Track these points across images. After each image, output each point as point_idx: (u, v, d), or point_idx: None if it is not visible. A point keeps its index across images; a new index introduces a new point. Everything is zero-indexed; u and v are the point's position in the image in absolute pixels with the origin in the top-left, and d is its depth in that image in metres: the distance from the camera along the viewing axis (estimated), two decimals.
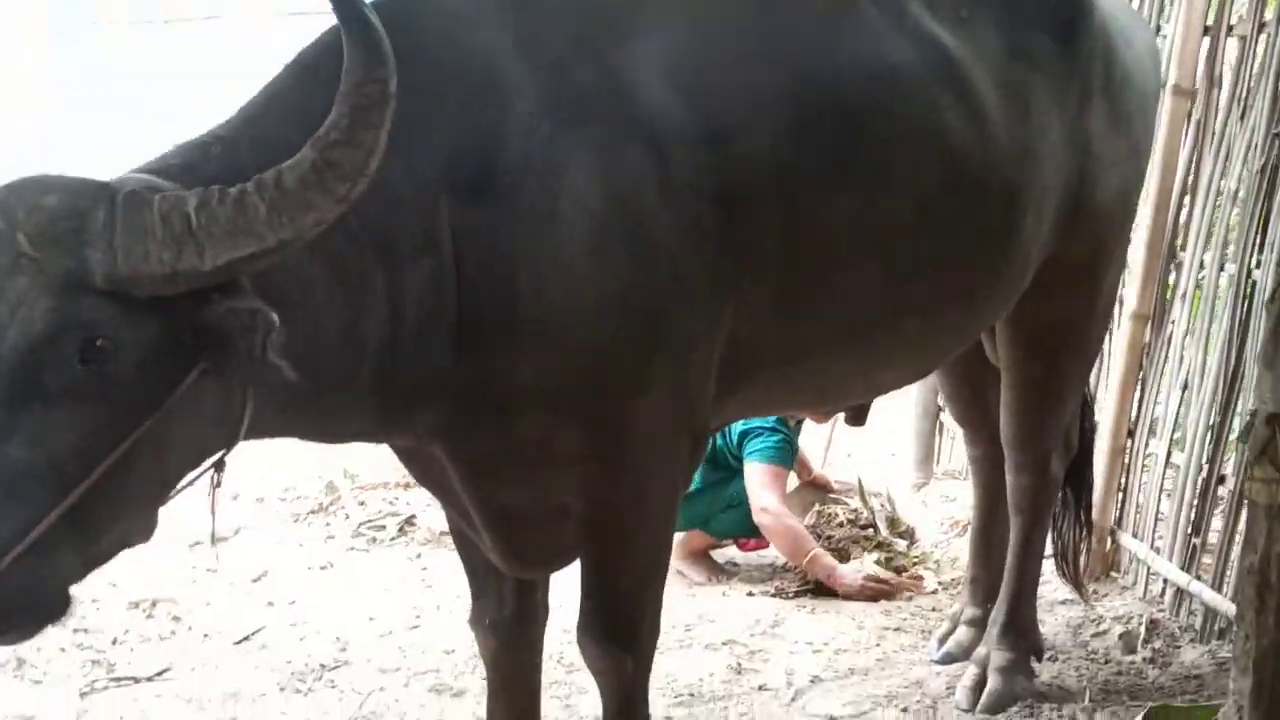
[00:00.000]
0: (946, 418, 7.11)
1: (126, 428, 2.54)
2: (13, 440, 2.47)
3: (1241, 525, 4.25)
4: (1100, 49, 4.11)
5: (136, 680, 4.89)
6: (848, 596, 5.70)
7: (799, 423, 6.28)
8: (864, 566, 5.90)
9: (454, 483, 3.43)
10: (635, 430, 3.36)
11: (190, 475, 2.83)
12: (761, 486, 5.90)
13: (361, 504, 6.98)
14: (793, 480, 6.36)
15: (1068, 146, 4.03)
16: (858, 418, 4.99)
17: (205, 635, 5.38)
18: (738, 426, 5.95)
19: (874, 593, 5.73)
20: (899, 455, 7.55)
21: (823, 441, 7.15)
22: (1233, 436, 4.99)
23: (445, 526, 6.42)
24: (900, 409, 7.33)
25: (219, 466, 2.85)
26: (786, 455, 6.04)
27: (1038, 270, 4.14)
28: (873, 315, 3.70)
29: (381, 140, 2.57)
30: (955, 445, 7.14)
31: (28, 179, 2.67)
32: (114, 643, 5.28)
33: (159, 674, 4.97)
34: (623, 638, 3.53)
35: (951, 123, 3.67)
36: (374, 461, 7.60)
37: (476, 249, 3.03)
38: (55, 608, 2.59)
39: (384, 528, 6.70)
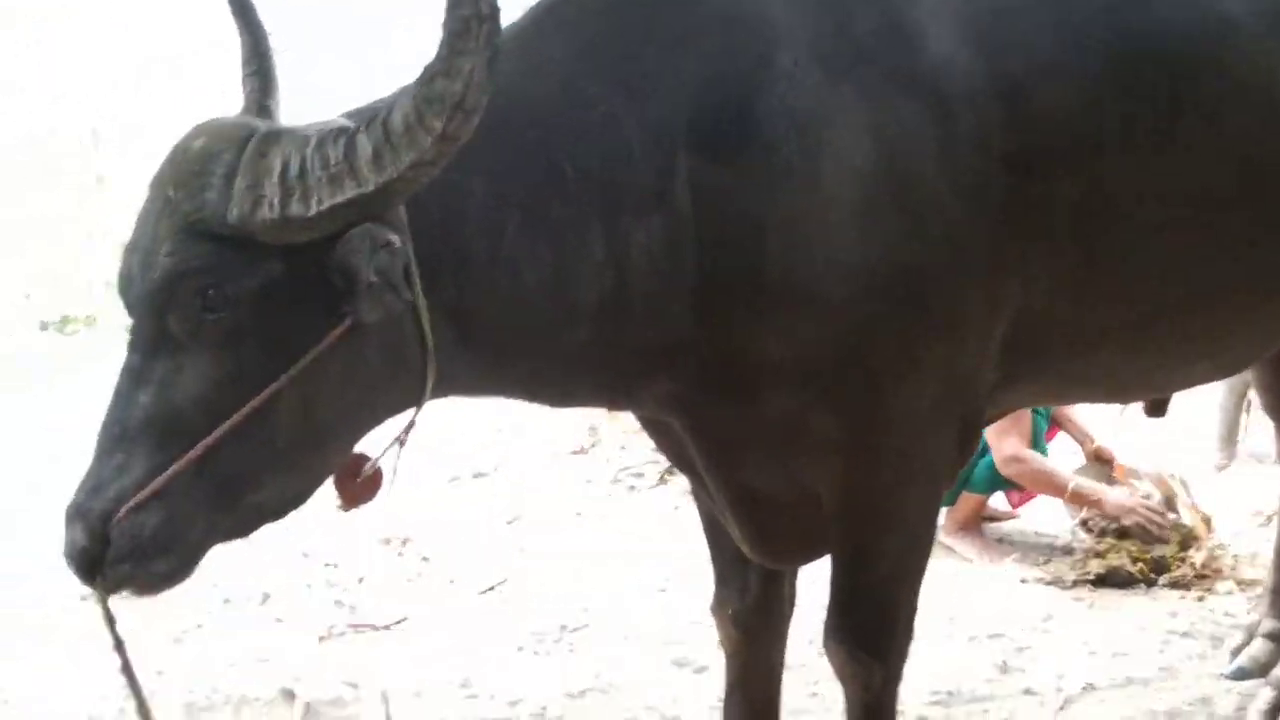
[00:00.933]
0: (1253, 397, 6.58)
1: (259, 380, 2.46)
2: (146, 386, 2.46)
3: None
4: None
5: (374, 628, 4.82)
6: (1119, 521, 5.45)
7: None
8: (1135, 493, 5.57)
9: (696, 460, 3.23)
10: (898, 415, 3.06)
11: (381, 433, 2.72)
12: (997, 434, 5.52)
13: (623, 448, 6.82)
14: (1078, 458, 5.99)
15: None
16: (1158, 408, 4.56)
17: (450, 581, 5.33)
18: None
19: (1147, 519, 5.44)
20: (1199, 432, 6.94)
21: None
22: None
23: None
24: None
25: (405, 431, 2.72)
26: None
27: None
28: (1185, 298, 3.31)
29: (481, 68, 2.35)
30: (1267, 424, 6.52)
31: (208, 120, 2.63)
32: (359, 581, 5.28)
33: (396, 623, 4.88)
34: (872, 643, 3.26)
35: None
36: None
37: (721, 207, 2.80)
38: (180, 564, 2.53)
39: (643, 475, 6.55)
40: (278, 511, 2.69)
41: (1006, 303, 3.08)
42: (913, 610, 3.34)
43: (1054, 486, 5.65)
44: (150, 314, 2.49)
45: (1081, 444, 6.03)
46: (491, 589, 5.18)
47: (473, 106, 2.37)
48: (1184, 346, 3.51)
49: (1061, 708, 4.30)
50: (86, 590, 2.52)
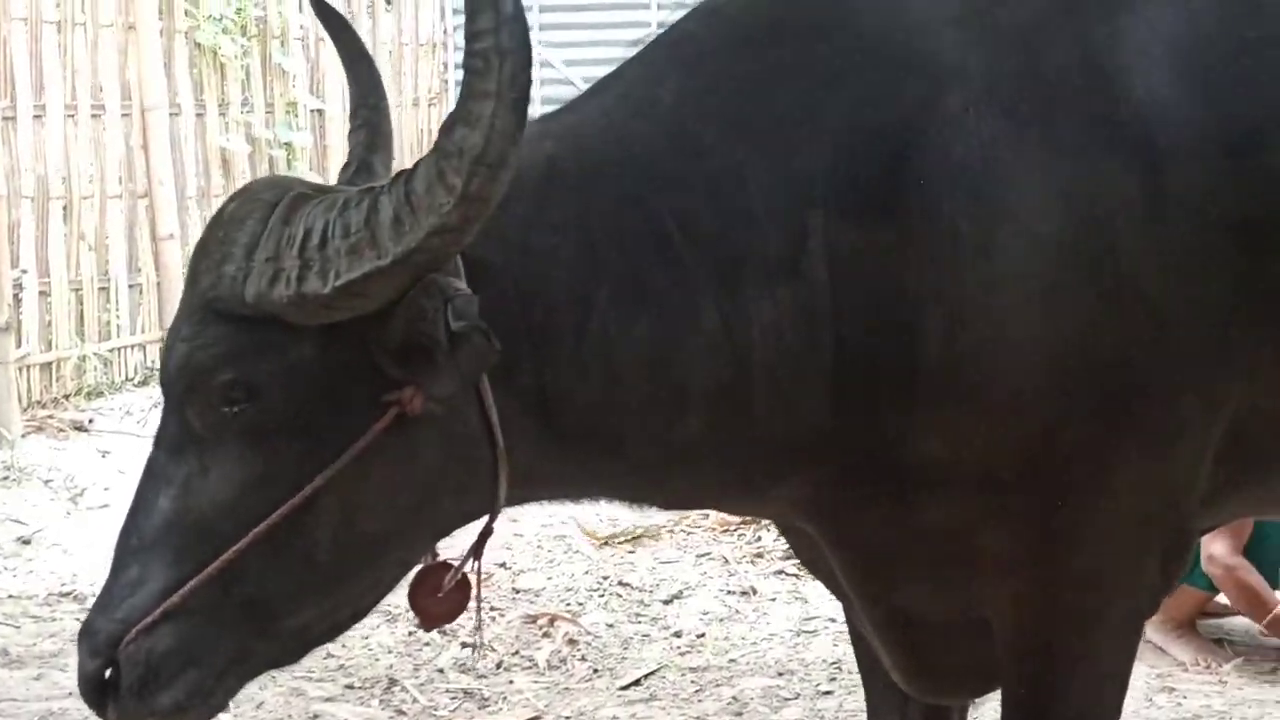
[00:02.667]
0: None
1: (292, 483, 2.27)
2: (166, 489, 2.30)
3: None
4: None
5: None
6: None
7: None
8: None
9: (839, 574, 2.95)
10: (1088, 535, 2.72)
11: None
12: (1212, 536, 5.08)
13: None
14: None
15: None
16: None
17: (594, 671, 5.02)
18: None
19: None
20: None
21: None
22: None
23: None
24: None
25: (480, 542, 2.53)
26: None
27: None
28: None
29: (505, 113, 2.12)
30: None
31: (256, 179, 2.56)
32: (499, 668, 4.98)
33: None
34: None
35: None
36: None
37: (868, 278, 2.56)
38: (195, 697, 2.33)
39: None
40: (327, 635, 2.54)
41: (1229, 403, 2.73)
42: None
43: (1257, 606, 5.24)
44: (173, 408, 2.35)
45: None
46: (639, 683, 4.90)
47: (497, 160, 2.13)
48: None
49: None
50: None
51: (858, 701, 3.54)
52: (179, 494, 2.29)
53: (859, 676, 3.32)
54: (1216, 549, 5.12)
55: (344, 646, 4.90)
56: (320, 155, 10.00)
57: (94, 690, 2.28)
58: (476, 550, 2.52)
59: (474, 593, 2.55)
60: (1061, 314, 2.57)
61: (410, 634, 5.09)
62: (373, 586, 2.49)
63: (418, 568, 2.56)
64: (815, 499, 2.75)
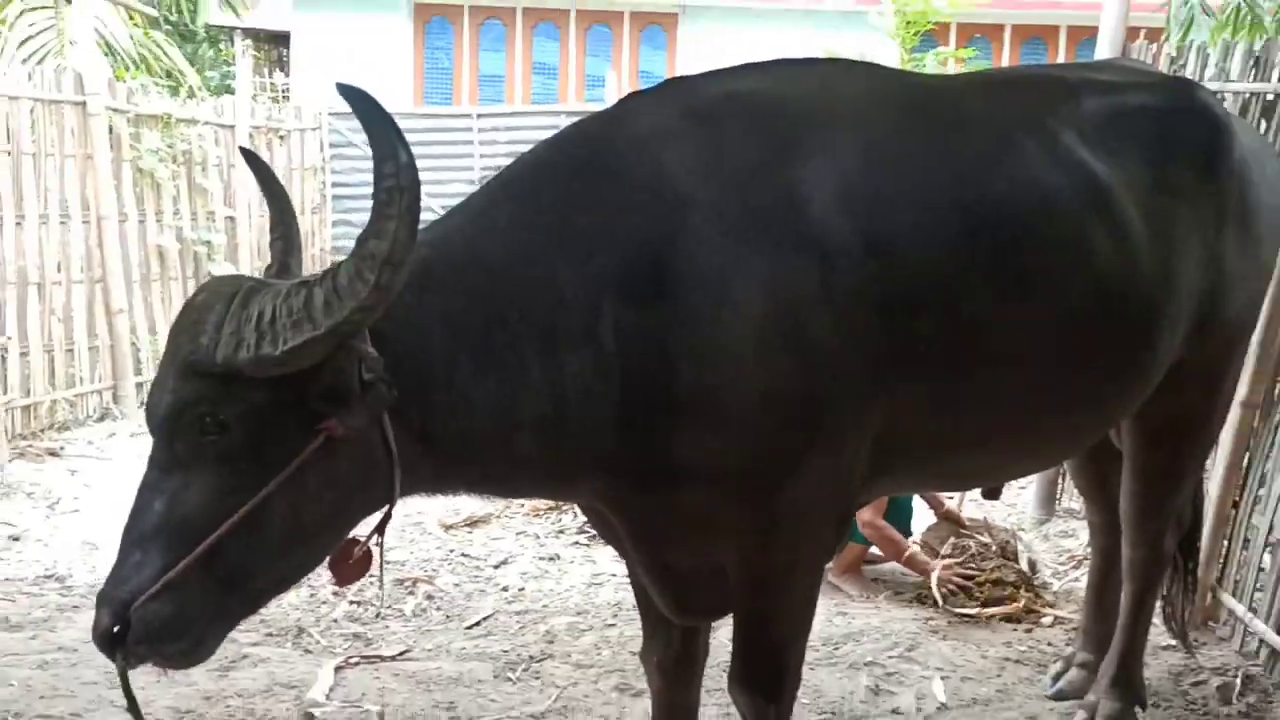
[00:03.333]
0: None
1: (252, 490, 2.28)
2: (160, 497, 2.30)
3: None
4: (1237, 180, 3.39)
5: (382, 659, 4.45)
6: (935, 585, 5.14)
7: None
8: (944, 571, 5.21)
9: (624, 540, 2.98)
10: (788, 510, 2.80)
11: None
12: (870, 507, 5.24)
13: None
14: (929, 516, 5.69)
15: (1203, 267, 3.33)
16: (993, 494, 4.30)
17: (447, 618, 4.96)
18: None
19: (951, 581, 5.15)
20: (1024, 492, 6.64)
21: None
22: None
23: None
24: None
25: (382, 524, 2.52)
26: None
27: (1167, 371, 3.39)
28: (1016, 415, 3.09)
29: (404, 230, 2.17)
30: (1071, 487, 6.26)
31: (213, 278, 2.52)
32: (377, 616, 4.91)
33: (402, 654, 4.52)
34: (768, 689, 2.99)
35: (1099, 244, 3.05)
36: None
37: (642, 343, 2.59)
38: (193, 644, 2.35)
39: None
40: (277, 592, 2.52)
41: (876, 420, 2.84)
42: (800, 662, 3.07)
43: (896, 550, 5.38)
44: (163, 437, 2.33)
45: (934, 508, 5.69)
46: (478, 624, 4.86)
47: (399, 261, 2.18)
48: (1015, 450, 3.31)
49: None
50: None
51: (635, 630, 3.49)
52: (169, 501, 2.29)
53: (636, 612, 3.33)
54: (865, 515, 5.19)
55: None
56: (232, 251, 9.72)
57: (107, 641, 2.27)
58: (380, 529, 2.51)
59: (377, 560, 2.53)
60: (768, 364, 2.63)
61: (311, 595, 4.94)
62: (310, 557, 2.47)
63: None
64: (609, 488, 2.76)
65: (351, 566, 2.52)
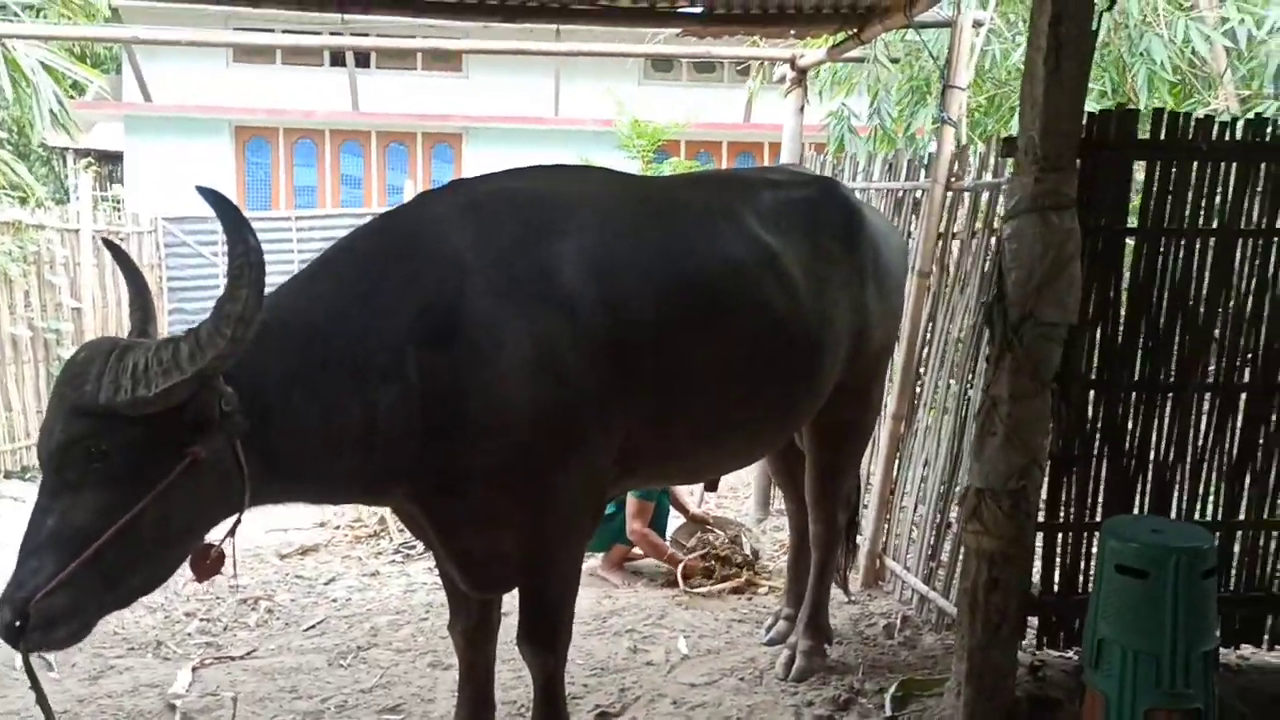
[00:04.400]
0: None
1: (128, 504, 2.39)
2: (51, 515, 2.39)
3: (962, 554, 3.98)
4: (869, 249, 3.93)
5: (233, 659, 4.49)
6: (686, 569, 5.55)
7: None
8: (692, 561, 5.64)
9: (429, 533, 3.16)
10: (553, 502, 3.05)
11: (219, 531, 2.64)
12: (632, 516, 5.62)
13: (401, 530, 6.52)
14: (680, 518, 6.03)
15: (850, 311, 3.84)
16: (712, 486, 4.69)
17: (285, 625, 4.99)
18: None
19: (694, 567, 5.58)
20: (748, 500, 7.12)
21: (696, 491, 6.76)
22: (956, 497, 4.70)
23: None
24: (748, 471, 6.93)
25: (233, 528, 2.63)
26: (649, 492, 5.66)
27: (831, 391, 3.85)
28: (718, 426, 3.46)
29: (252, 294, 2.36)
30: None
31: (91, 340, 2.60)
32: (225, 629, 4.89)
33: (249, 654, 4.56)
34: (546, 642, 3.23)
35: (774, 297, 3.48)
36: None
37: (438, 378, 2.80)
38: (79, 630, 2.43)
39: (415, 548, 6.26)
40: (148, 589, 2.57)
41: (617, 431, 3.11)
42: (570, 621, 3.30)
43: (659, 552, 5.67)
44: (53, 468, 2.43)
45: (683, 512, 6.04)
46: (313, 627, 4.91)
47: (250, 319, 2.35)
48: (725, 451, 3.65)
49: (669, 671, 4.30)
50: None
51: (444, 621, 3.56)
52: (59, 518, 2.38)
53: (447, 609, 3.46)
54: (635, 526, 5.53)
55: (124, 626, 4.73)
56: (79, 337, 9.16)
57: (11, 633, 2.35)
58: (232, 533, 2.62)
59: (230, 560, 2.64)
60: (533, 391, 2.85)
61: (166, 616, 4.89)
62: (175, 557, 2.56)
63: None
64: (416, 492, 2.93)
65: (208, 565, 2.63)
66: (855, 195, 4.18)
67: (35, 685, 2.46)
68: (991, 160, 4.85)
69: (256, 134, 17.62)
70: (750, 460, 4.28)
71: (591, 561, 5.68)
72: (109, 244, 3.06)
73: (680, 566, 5.49)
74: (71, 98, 10.40)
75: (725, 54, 6.87)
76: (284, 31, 17.95)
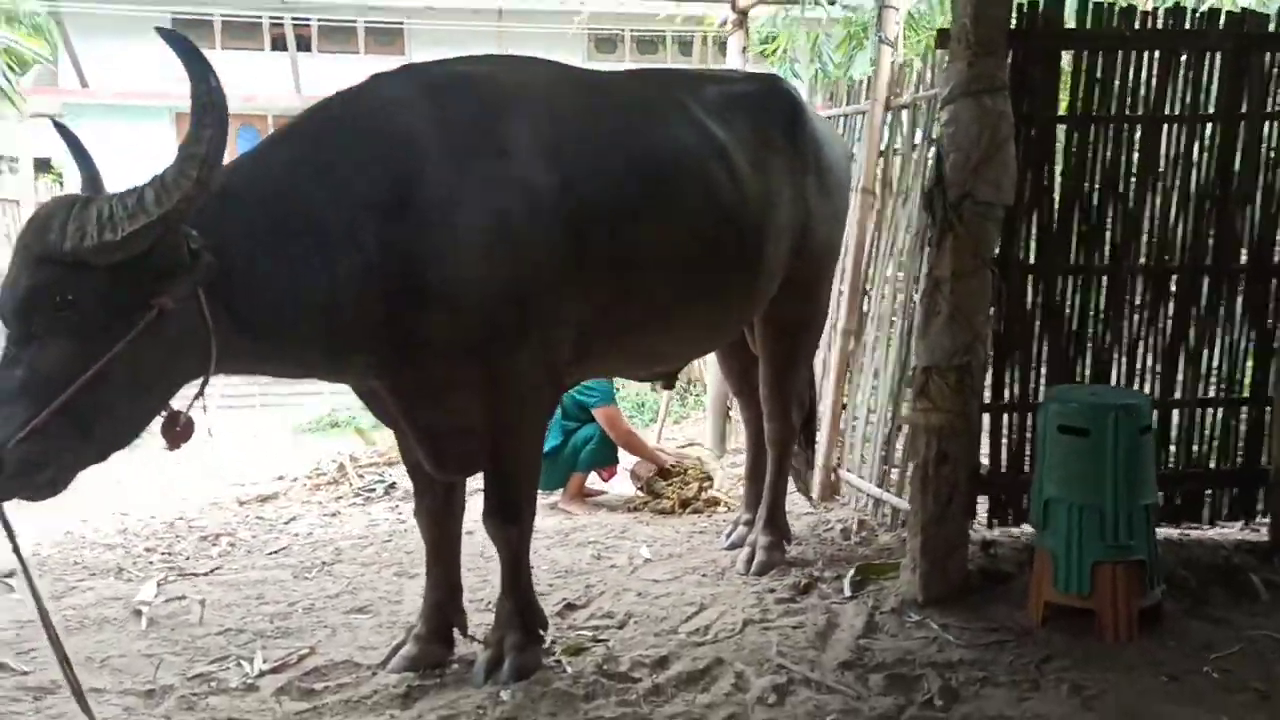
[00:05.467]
0: (734, 413, 6.94)
1: (96, 353, 2.41)
2: (20, 366, 2.40)
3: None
4: (811, 143, 4.03)
5: (197, 575, 4.50)
6: (662, 467, 5.82)
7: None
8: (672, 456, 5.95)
9: (393, 410, 3.19)
10: (513, 374, 3.11)
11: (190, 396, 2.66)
12: (610, 424, 5.77)
13: (360, 476, 6.58)
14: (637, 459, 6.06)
15: (793, 203, 3.93)
16: (669, 383, 4.76)
17: (248, 551, 4.99)
18: (573, 394, 5.70)
19: (672, 464, 5.86)
20: (705, 436, 7.20)
21: (654, 432, 6.89)
22: (904, 409, 4.83)
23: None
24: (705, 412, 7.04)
25: (200, 391, 2.67)
26: (610, 397, 5.83)
27: (779, 286, 3.98)
28: (672, 305, 3.53)
29: (216, 134, 2.38)
30: (737, 431, 6.93)
31: (54, 196, 2.63)
32: (187, 558, 4.86)
33: (213, 570, 4.58)
34: (510, 515, 3.29)
35: (720, 181, 3.55)
36: (368, 451, 7.27)
37: (396, 247, 2.85)
38: (57, 477, 2.44)
39: (374, 490, 6.31)
40: (120, 443, 2.57)
41: (575, 308, 3.18)
42: (534, 493, 3.38)
43: (640, 450, 5.86)
44: (19, 318, 2.43)
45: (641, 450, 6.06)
46: (275, 552, 4.92)
47: (214, 160, 2.39)
48: (683, 334, 3.75)
49: (633, 571, 4.37)
50: None
51: (410, 542, 3.53)
52: (28, 367, 2.38)
53: (412, 536, 3.49)
54: (617, 429, 5.73)
55: (82, 557, 4.74)
56: None
57: None
58: (199, 395, 2.64)
59: (199, 427, 2.65)
60: (491, 262, 2.92)
61: (126, 552, 4.82)
62: (144, 412, 2.58)
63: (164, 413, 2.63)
64: (378, 364, 2.96)
65: (178, 433, 2.64)
66: (797, 91, 4.28)
67: (9, 534, 2.46)
68: (929, 76, 4.98)
69: None
70: (702, 349, 4.38)
71: (552, 498, 5.77)
72: (57, 125, 2.96)
73: (660, 458, 5.76)
74: (14, 71, 10.23)
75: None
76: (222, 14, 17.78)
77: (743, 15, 6.70)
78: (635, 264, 3.32)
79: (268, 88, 17.28)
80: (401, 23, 17.99)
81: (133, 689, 3.24)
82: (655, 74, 4.09)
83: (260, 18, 17.87)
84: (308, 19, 17.97)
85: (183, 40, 2.38)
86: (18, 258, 2.46)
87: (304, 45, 18.17)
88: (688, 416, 8.62)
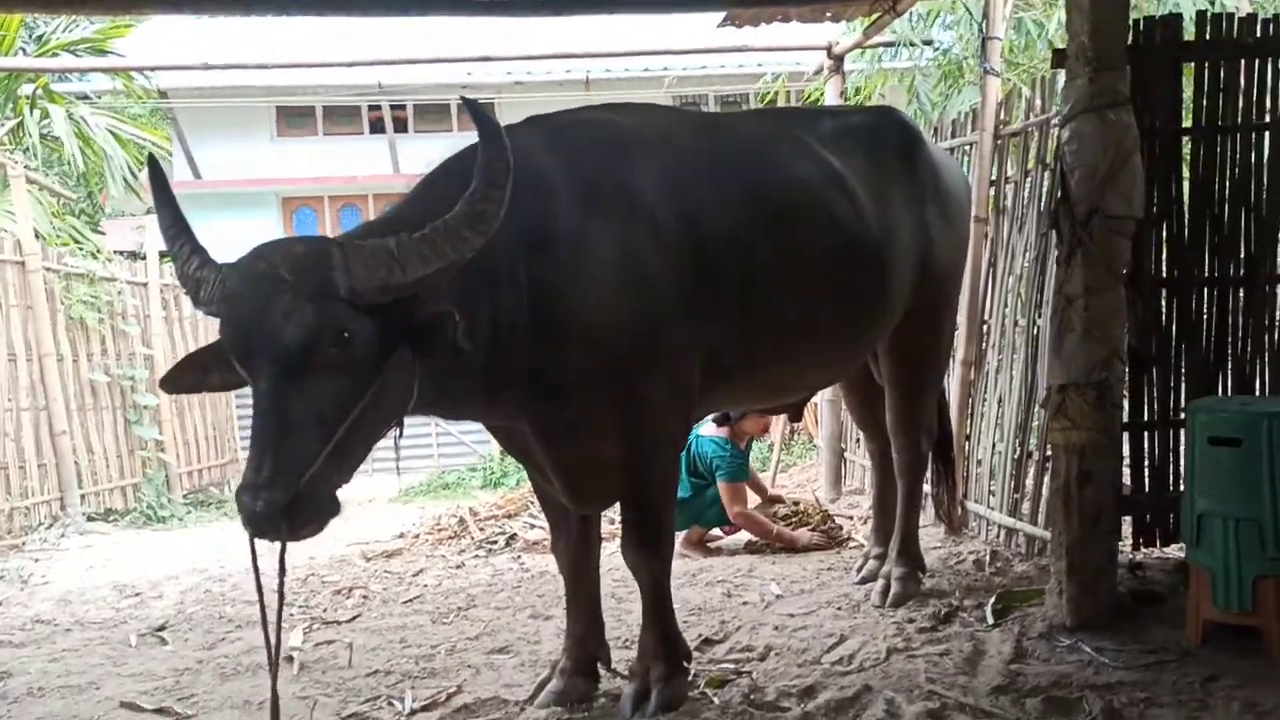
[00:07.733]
0: (848, 454, 6.90)
1: (362, 389, 2.51)
2: (296, 401, 2.44)
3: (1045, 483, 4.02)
4: (929, 170, 4.07)
5: (340, 622, 4.62)
6: (805, 548, 5.52)
7: (747, 449, 5.94)
8: (809, 533, 5.67)
9: (534, 447, 3.25)
10: (647, 405, 3.17)
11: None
12: (730, 500, 5.65)
13: (481, 529, 6.67)
14: (755, 499, 6.03)
15: (914, 230, 3.95)
16: (796, 415, 4.75)
17: (383, 601, 5.10)
18: (708, 453, 5.65)
19: (819, 542, 5.58)
20: (819, 480, 7.17)
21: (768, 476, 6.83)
22: (1033, 439, 4.75)
23: (534, 538, 6.26)
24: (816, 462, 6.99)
25: (400, 426, 2.75)
26: (741, 472, 5.72)
27: (904, 313, 3.98)
28: (797, 335, 3.56)
29: (505, 197, 2.56)
30: (852, 471, 6.91)
31: (273, 240, 2.67)
32: (324, 610, 4.97)
33: (354, 618, 4.70)
34: (650, 542, 3.31)
35: (839, 210, 3.60)
36: (488, 504, 7.38)
37: (539, 284, 2.95)
38: (334, 508, 2.53)
39: (496, 543, 6.40)
40: (348, 478, 2.62)
41: (701, 338, 3.23)
42: (671, 521, 3.40)
43: (765, 531, 5.65)
44: (291, 354, 2.44)
45: (760, 493, 6.08)
46: (410, 600, 5.02)
47: (499, 218, 2.60)
48: (807, 362, 3.76)
49: (766, 607, 4.34)
50: None
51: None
52: (300, 405, 2.44)
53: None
54: (736, 509, 5.60)
55: (224, 611, 4.90)
56: (152, 383, 9.44)
57: (281, 514, 2.36)
58: (401, 434, 2.74)
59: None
60: (622, 300, 3.00)
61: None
62: (370, 449, 2.66)
63: None
64: (523, 401, 3.04)
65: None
66: (913, 120, 4.31)
67: (281, 570, 2.51)
68: (1038, 102, 4.98)
69: (303, 203, 18.16)
70: (828, 379, 4.37)
71: None
72: (150, 160, 2.96)
73: (802, 537, 5.57)
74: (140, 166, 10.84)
75: (760, 46, 7.07)
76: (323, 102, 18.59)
77: (838, 61, 6.79)
78: (758, 293, 3.36)
79: (368, 169, 17.95)
80: (493, 99, 18.54)
81: None
82: (771, 111, 4.20)
83: (359, 104, 18.62)
84: (404, 101, 18.66)
85: (474, 104, 2.59)
86: (274, 296, 2.45)
87: (401, 127, 18.83)
88: (795, 464, 8.58)
